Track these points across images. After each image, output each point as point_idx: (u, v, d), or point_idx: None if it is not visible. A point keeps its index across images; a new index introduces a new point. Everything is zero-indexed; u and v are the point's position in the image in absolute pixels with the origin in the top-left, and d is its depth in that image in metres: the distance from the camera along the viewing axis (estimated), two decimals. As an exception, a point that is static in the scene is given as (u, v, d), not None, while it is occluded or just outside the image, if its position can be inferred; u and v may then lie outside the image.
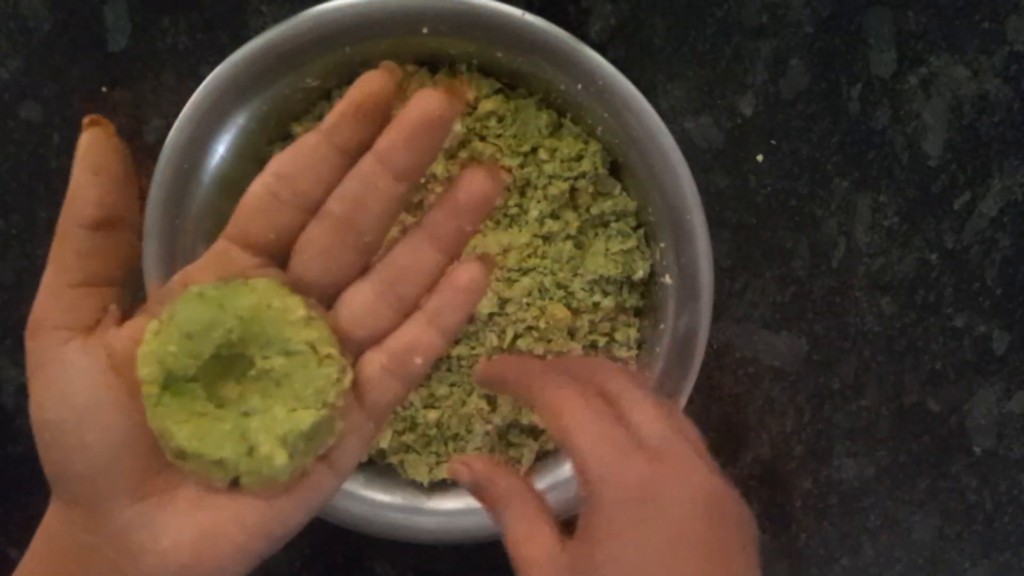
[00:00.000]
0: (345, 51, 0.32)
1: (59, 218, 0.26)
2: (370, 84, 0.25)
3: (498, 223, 0.35)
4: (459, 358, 0.36)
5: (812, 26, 0.38)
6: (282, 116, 0.35)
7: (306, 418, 0.25)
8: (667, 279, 0.35)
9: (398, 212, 0.26)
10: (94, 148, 0.26)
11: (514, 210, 0.35)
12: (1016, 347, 0.41)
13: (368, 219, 0.25)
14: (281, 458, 0.25)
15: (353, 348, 0.26)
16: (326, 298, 0.26)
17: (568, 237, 0.35)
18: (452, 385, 0.36)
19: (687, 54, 0.38)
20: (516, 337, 0.35)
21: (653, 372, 0.35)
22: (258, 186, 0.26)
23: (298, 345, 0.25)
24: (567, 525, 0.41)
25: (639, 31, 0.38)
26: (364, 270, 0.26)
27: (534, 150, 0.35)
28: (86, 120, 0.26)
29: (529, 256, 0.35)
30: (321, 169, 0.25)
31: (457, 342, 0.35)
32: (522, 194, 0.35)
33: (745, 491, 0.41)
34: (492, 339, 0.35)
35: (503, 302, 0.35)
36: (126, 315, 0.27)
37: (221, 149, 0.33)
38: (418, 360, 0.26)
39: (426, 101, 0.24)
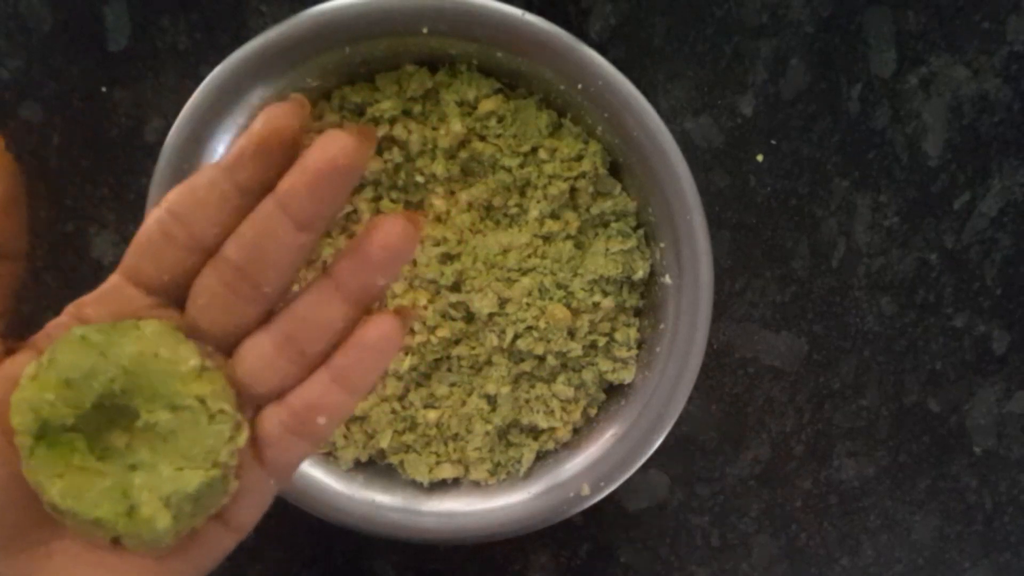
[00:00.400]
0: (345, 51, 0.32)
1: None
2: (274, 119, 0.22)
3: (498, 223, 0.35)
4: (459, 358, 0.36)
5: (812, 26, 0.38)
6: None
7: (193, 479, 0.23)
8: (667, 279, 0.35)
9: (300, 263, 0.23)
10: None
11: (514, 210, 0.35)
12: (1016, 347, 0.41)
13: (266, 270, 0.23)
14: (164, 521, 0.23)
15: (252, 402, 0.24)
16: (225, 345, 0.24)
17: (568, 237, 0.35)
18: (452, 385, 0.36)
19: (687, 54, 0.38)
20: (516, 337, 0.35)
21: (653, 372, 0.35)
22: (152, 222, 0.23)
23: (187, 400, 0.23)
24: (566, 525, 0.41)
25: (639, 31, 0.38)
26: (266, 318, 0.24)
27: (534, 150, 0.35)
28: None
29: (529, 256, 0.35)
30: (219, 209, 0.23)
31: (457, 342, 0.35)
32: (522, 194, 0.35)
33: (745, 491, 0.42)
34: (492, 339, 0.35)
35: (503, 302, 0.35)
36: (10, 350, 0.24)
37: (221, 149, 0.33)
38: (321, 420, 0.24)
39: (331, 145, 0.22)
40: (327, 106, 0.35)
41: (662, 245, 0.35)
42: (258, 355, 0.24)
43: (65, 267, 0.39)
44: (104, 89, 0.38)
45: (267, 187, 0.23)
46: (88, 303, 0.24)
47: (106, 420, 0.23)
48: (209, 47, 0.38)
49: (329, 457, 0.37)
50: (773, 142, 0.39)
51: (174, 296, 0.24)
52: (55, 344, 0.23)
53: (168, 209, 0.23)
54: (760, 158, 0.39)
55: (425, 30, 0.32)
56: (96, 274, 0.40)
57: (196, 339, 0.24)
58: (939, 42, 0.38)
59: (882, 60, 0.38)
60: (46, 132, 0.39)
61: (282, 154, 0.23)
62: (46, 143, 0.39)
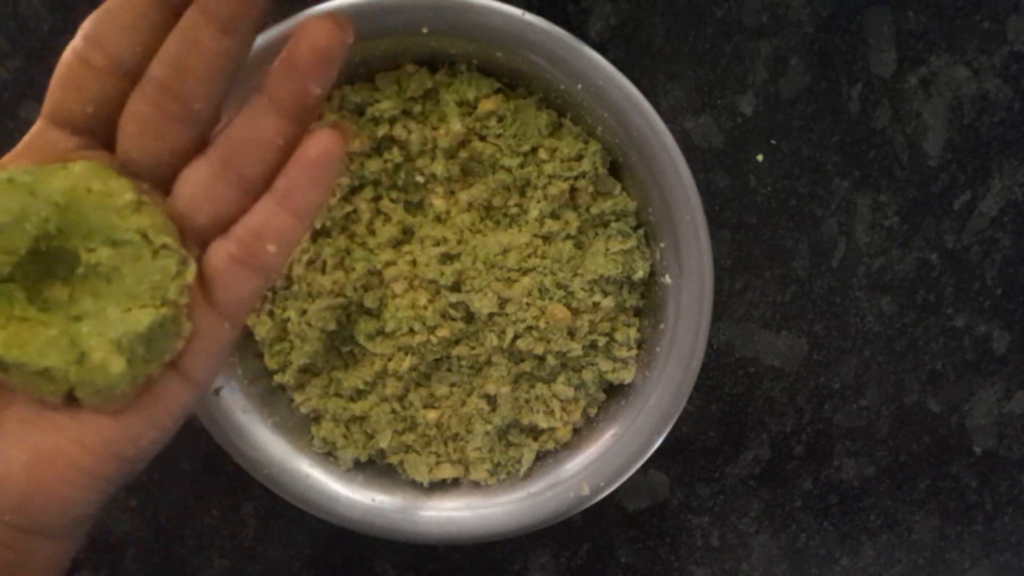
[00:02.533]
0: (345, 51, 0.32)
1: None
2: None
3: (498, 223, 0.35)
4: (459, 358, 0.36)
5: (812, 26, 0.38)
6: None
7: (143, 318, 0.22)
8: (667, 279, 0.35)
9: (229, 73, 0.22)
10: None
11: (514, 210, 0.35)
12: (1016, 347, 0.41)
13: (193, 83, 0.22)
14: (117, 365, 0.21)
15: (196, 237, 0.23)
16: (162, 182, 0.23)
17: (568, 237, 0.35)
18: (452, 385, 0.36)
19: (687, 54, 0.38)
20: (516, 337, 0.35)
21: (653, 372, 0.35)
22: (68, 53, 0.22)
23: (127, 234, 0.22)
24: (566, 525, 0.41)
25: (639, 31, 0.38)
26: (201, 147, 0.23)
27: (534, 150, 0.35)
28: None
29: (529, 256, 0.35)
30: (137, 27, 0.22)
31: (457, 342, 0.35)
32: (522, 194, 0.35)
33: (745, 491, 0.42)
34: (492, 339, 0.35)
35: (503, 302, 0.35)
36: None
37: (221, 149, 0.33)
38: (271, 247, 0.23)
39: None
40: (327, 106, 0.35)
41: (662, 245, 0.35)
42: (196, 182, 0.23)
43: (65, 267, 0.39)
44: (104, 89, 0.38)
45: (187, 3, 0.22)
46: (8, 160, 0.23)
47: (44, 269, 0.22)
48: (209, 47, 0.38)
49: (329, 457, 0.37)
50: (773, 142, 0.39)
51: (100, 135, 0.23)
52: None
53: (84, 35, 0.22)
54: (760, 158, 0.39)
55: (425, 30, 0.32)
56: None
57: (131, 176, 0.22)
58: (939, 42, 0.38)
59: (882, 60, 0.38)
60: (46, 132, 0.39)
61: None
62: (46, 143, 0.39)
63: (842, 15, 0.38)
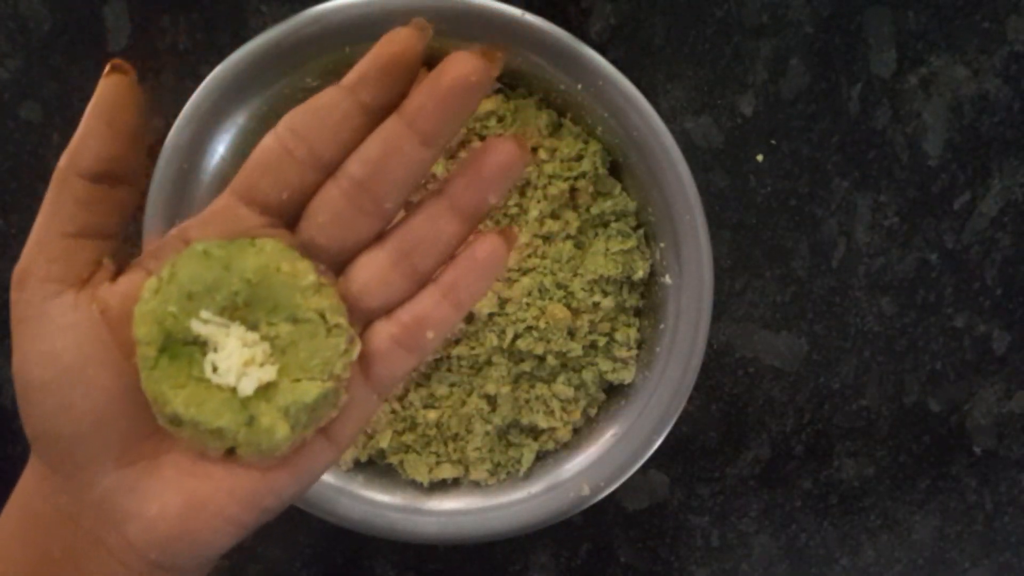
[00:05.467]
0: (345, 51, 0.32)
1: (60, 162, 0.24)
2: (397, 42, 0.23)
3: (498, 223, 0.35)
4: (459, 358, 0.36)
5: (812, 26, 0.38)
6: (282, 116, 0.35)
7: (311, 390, 0.24)
8: (667, 279, 0.35)
9: (421, 179, 0.24)
10: (110, 97, 0.24)
11: (514, 210, 0.35)
12: (1016, 347, 0.41)
13: (389, 185, 0.24)
14: (283, 430, 0.23)
15: (361, 317, 0.25)
16: (336, 264, 0.25)
17: (568, 237, 0.35)
18: (452, 385, 0.36)
19: (687, 54, 0.38)
20: (516, 337, 0.35)
21: (653, 372, 0.35)
22: (272, 140, 0.24)
23: (307, 313, 0.24)
24: (566, 525, 0.42)
25: (639, 31, 0.38)
26: (378, 237, 0.25)
27: (534, 150, 0.35)
28: (108, 65, 0.24)
29: (529, 256, 0.35)
30: (340, 127, 0.24)
31: (457, 342, 0.35)
32: (522, 194, 0.35)
33: (745, 491, 0.42)
34: (492, 339, 0.35)
35: (503, 302, 0.35)
36: (119, 270, 0.25)
37: (221, 149, 0.33)
38: (430, 334, 0.25)
39: (461, 64, 0.23)
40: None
41: (662, 245, 0.35)
42: (373, 271, 0.25)
43: (65, 267, 0.39)
44: (104, 89, 0.38)
45: (387, 108, 0.24)
46: (193, 226, 0.25)
47: None
48: (209, 47, 0.38)
49: (329, 457, 0.37)
50: (773, 142, 0.39)
51: (285, 216, 0.25)
52: (176, 259, 0.24)
53: (289, 127, 0.24)
54: (760, 158, 0.39)
55: (425, 30, 0.32)
56: (96, 274, 0.40)
57: (309, 257, 0.24)
58: (939, 42, 0.38)
59: (882, 60, 0.38)
60: (46, 132, 0.39)
61: (404, 75, 0.24)
62: (46, 143, 0.39)
63: (842, 15, 0.38)
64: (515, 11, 0.31)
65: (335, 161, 0.24)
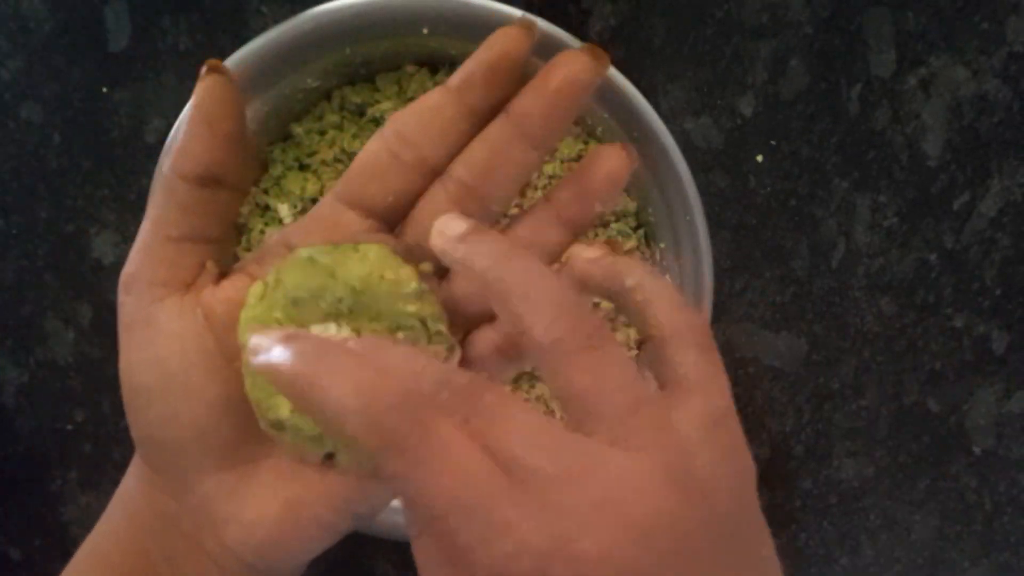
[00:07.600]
0: (345, 51, 0.32)
1: (164, 167, 0.24)
2: (505, 42, 0.23)
3: (498, 223, 0.35)
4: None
5: (812, 26, 0.38)
6: (282, 116, 0.35)
7: None
8: (667, 279, 0.35)
9: (527, 180, 0.24)
10: (211, 98, 0.24)
11: (514, 210, 0.35)
12: (1016, 347, 0.41)
13: (496, 188, 0.23)
14: None
15: (463, 323, 0.25)
16: (440, 268, 0.24)
17: (568, 237, 0.35)
18: (452, 385, 0.36)
19: (687, 54, 0.38)
20: (516, 337, 0.35)
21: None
22: (378, 145, 0.24)
23: (410, 320, 0.24)
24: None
25: (639, 31, 0.38)
26: None
27: (534, 150, 0.35)
28: (205, 67, 0.24)
29: (529, 256, 0.35)
30: (448, 131, 0.23)
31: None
32: (522, 194, 0.35)
33: (745, 491, 0.42)
34: (492, 339, 0.35)
35: (503, 302, 0.35)
36: (222, 274, 0.25)
37: (221, 149, 0.33)
38: None
39: (570, 65, 0.22)
40: (327, 106, 0.35)
41: (662, 245, 0.35)
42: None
43: (66, 267, 0.39)
44: (104, 89, 0.38)
45: (492, 110, 0.23)
46: (296, 231, 0.24)
47: None
48: (209, 47, 0.38)
49: (329, 457, 0.37)
50: (773, 142, 0.39)
51: (389, 220, 0.24)
52: (281, 265, 0.23)
53: (395, 131, 0.24)
54: (760, 158, 0.39)
55: (425, 30, 0.32)
56: (96, 274, 0.40)
57: (412, 260, 0.24)
58: (939, 42, 0.38)
59: (882, 60, 0.38)
60: (46, 132, 0.39)
61: (511, 76, 0.23)
62: (46, 143, 0.39)
63: (842, 16, 0.38)
64: (515, 11, 0.31)
65: (441, 164, 0.24)
